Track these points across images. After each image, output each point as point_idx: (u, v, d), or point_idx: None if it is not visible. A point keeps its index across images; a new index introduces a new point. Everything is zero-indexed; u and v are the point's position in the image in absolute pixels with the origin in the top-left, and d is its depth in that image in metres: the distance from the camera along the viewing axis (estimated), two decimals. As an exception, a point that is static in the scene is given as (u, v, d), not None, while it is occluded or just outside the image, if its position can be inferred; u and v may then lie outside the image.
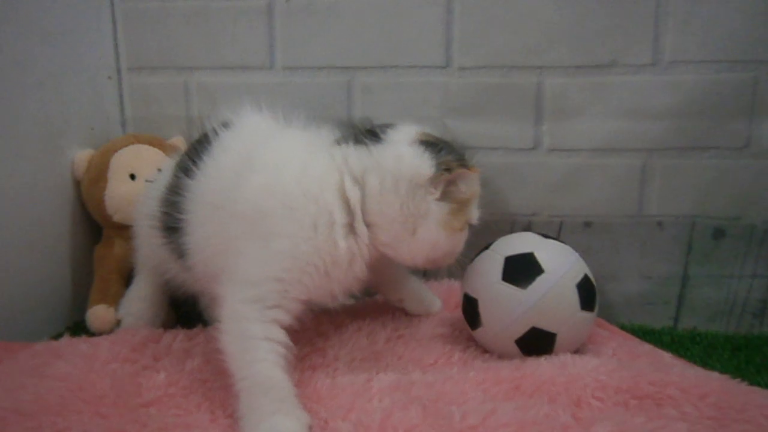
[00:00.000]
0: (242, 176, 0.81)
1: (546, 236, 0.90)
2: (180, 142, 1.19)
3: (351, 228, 0.80)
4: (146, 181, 1.08)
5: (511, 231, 1.11)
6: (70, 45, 1.11)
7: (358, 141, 0.82)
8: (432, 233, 0.80)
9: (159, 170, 1.10)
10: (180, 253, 0.90)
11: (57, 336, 1.04)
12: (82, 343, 0.87)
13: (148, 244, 0.98)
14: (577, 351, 0.86)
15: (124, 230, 1.09)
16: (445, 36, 1.07)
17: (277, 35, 1.14)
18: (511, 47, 1.05)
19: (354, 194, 0.80)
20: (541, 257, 0.85)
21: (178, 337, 0.92)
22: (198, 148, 0.90)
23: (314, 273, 0.78)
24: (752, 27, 0.99)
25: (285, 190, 0.79)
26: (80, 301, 1.11)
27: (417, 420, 0.68)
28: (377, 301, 1.05)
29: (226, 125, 0.91)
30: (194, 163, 0.88)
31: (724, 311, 1.07)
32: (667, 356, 0.87)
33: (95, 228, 1.14)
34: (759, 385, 0.85)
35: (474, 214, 0.84)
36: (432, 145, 0.81)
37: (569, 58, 1.04)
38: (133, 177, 1.08)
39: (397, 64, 1.10)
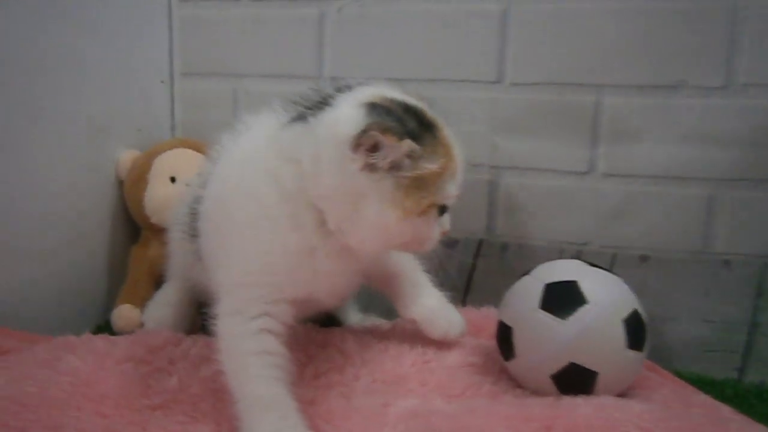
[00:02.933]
0: (227, 181, 0.79)
1: (594, 265, 0.82)
2: (224, 149, 1.19)
3: (297, 217, 0.71)
4: (186, 185, 1.08)
5: (560, 258, 1.04)
6: (125, 47, 1.13)
7: (300, 116, 0.73)
8: (376, 214, 0.67)
9: (198, 175, 1.09)
10: (200, 258, 0.88)
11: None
12: (99, 341, 0.86)
13: (179, 249, 0.97)
14: (620, 395, 0.77)
15: (160, 233, 1.08)
16: (498, 50, 1.02)
17: (326, 45, 1.13)
18: (569, 64, 1.00)
19: (287, 177, 0.70)
20: (586, 287, 0.77)
21: (198, 343, 0.89)
22: (214, 157, 0.88)
23: (276, 271, 0.72)
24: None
25: (227, 196, 0.76)
26: (114, 300, 1.11)
27: (430, 453, 0.62)
28: (408, 324, 0.99)
29: (235, 133, 0.89)
30: (207, 172, 0.86)
31: (801, 366, 0.95)
32: (726, 410, 0.77)
33: (135, 228, 1.14)
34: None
35: (443, 195, 0.69)
36: (380, 108, 0.67)
37: (631, 78, 0.97)
38: (173, 180, 1.08)
39: (446, 78, 1.06)
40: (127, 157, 1.11)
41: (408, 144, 0.65)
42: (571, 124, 1.00)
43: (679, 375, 0.93)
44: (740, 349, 0.98)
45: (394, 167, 0.66)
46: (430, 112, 0.71)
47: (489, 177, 1.06)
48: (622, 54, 0.97)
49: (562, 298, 0.77)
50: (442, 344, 0.91)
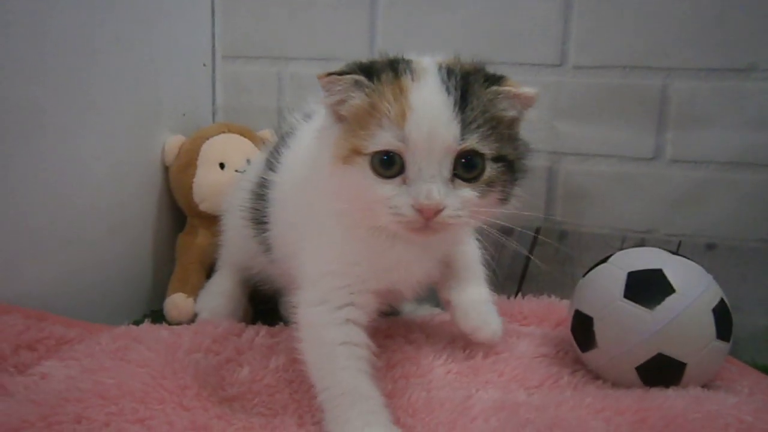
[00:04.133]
0: (298, 164, 0.77)
1: (673, 253, 0.80)
2: (269, 135, 1.15)
3: None
4: (235, 171, 1.05)
5: (621, 247, 1.02)
6: (168, 29, 1.09)
7: None
8: (324, 161, 0.66)
9: (249, 162, 1.07)
10: (266, 247, 0.86)
11: (136, 322, 1.02)
12: (162, 330, 0.84)
13: (237, 237, 0.94)
14: (705, 386, 0.75)
15: (209, 220, 1.06)
16: (561, 32, 1.00)
17: (378, 26, 1.10)
18: (635, 46, 0.97)
19: None
20: (671, 275, 0.75)
21: (261, 333, 0.86)
22: (282, 141, 0.87)
23: (360, 261, 0.70)
24: None
25: (307, 182, 0.73)
26: (160, 289, 1.09)
27: (534, 447, 0.59)
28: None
29: (307, 117, 0.87)
30: (277, 156, 0.84)
31: None
32: (816, 401, 0.75)
33: (179, 216, 1.11)
34: None
35: (374, 142, 0.61)
36: (358, 63, 0.66)
37: (701, 60, 0.94)
38: (222, 166, 1.05)
39: (506, 60, 1.02)
40: (173, 142, 1.07)
41: (350, 78, 0.63)
42: (636, 109, 0.98)
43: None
44: (809, 339, 0.96)
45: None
46: (419, 66, 0.64)
47: (548, 163, 1.03)
48: (692, 36, 0.94)
49: (648, 287, 0.74)
50: (510, 336, 0.89)
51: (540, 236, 1.04)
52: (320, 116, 0.84)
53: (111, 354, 0.74)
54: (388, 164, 0.61)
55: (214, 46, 1.19)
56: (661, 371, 0.73)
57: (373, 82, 0.63)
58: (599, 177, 1.01)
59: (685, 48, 0.95)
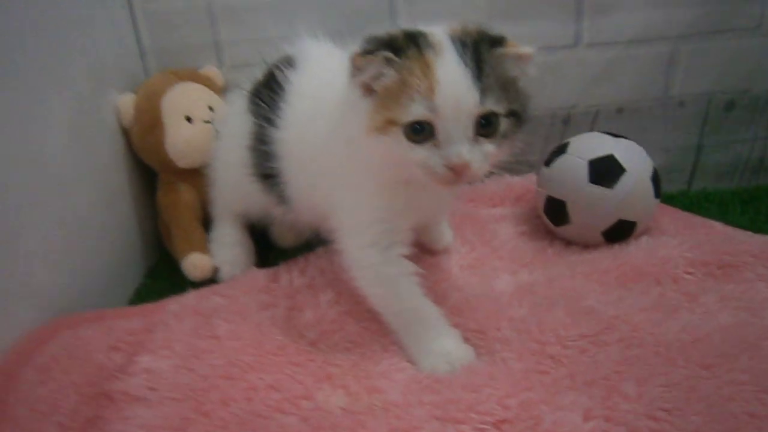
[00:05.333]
0: (318, 125, 0.82)
1: (614, 135, 1.00)
2: (214, 72, 1.14)
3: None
4: (204, 122, 1.06)
5: (551, 123, 1.21)
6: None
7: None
8: (357, 131, 0.73)
9: (211, 109, 1.07)
10: (281, 198, 0.92)
11: (142, 286, 1.06)
12: (213, 296, 0.91)
13: (238, 190, 0.98)
14: (647, 233, 1.01)
15: (188, 174, 1.07)
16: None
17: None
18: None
19: None
20: (621, 157, 0.96)
21: (293, 273, 0.97)
22: (270, 91, 0.89)
23: (396, 207, 0.80)
24: None
25: (328, 140, 0.80)
26: (148, 249, 1.12)
27: (567, 319, 0.80)
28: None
29: (290, 63, 0.90)
30: (271, 109, 0.88)
31: (729, 171, 1.25)
32: (717, 225, 1.04)
33: (147, 172, 1.11)
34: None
35: (406, 113, 0.68)
36: (375, 37, 0.72)
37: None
38: (189, 119, 1.05)
39: (441, -29, 1.08)
40: (126, 102, 1.04)
41: (381, 56, 0.69)
42: (558, 4, 1.11)
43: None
44: (689, 167, 1.25)
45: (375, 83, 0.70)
46: (437, 39, 0.70)
47: (487, 61, 1.15)
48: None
49: (606, 172, 0.95)
50: (490, 222, 1.08)
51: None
52: (311, 65, 0.89)
53: (193, 335, 0.81)
54: (420, 131, 0.69)
55: (126, -17, 1.10)
56: (620, 232, 0.97)
57: (401, 59, 0.70)
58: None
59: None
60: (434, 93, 0.68)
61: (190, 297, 0.92)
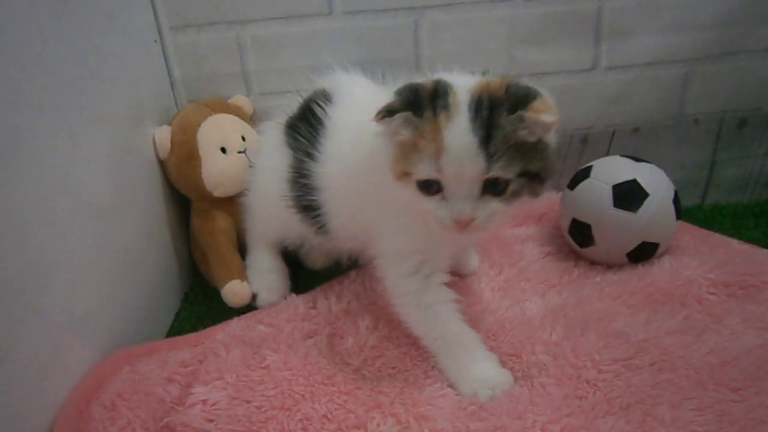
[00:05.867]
0: (358, 158, 0.85)
1: (636, 159, 1.04)
2: (243, 101, 1.18)
3: None
4: (238, 152, 1.09)
5: (570, 144, 1.25)
6: (109, 18, 1.00)
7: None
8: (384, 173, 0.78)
9: (244, 139, 1.11)
10: (321, 228, 0.96)
11: (181, 312, 1.10)
12: (257, 326, 0.95)
13: (276, 220, 1.01)
14: (669, 252, 1.05)
15: (222, 203, 1.11)
16: (510, -30, 1.10)
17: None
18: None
19: None
20: (644, 182, 1.00)
21: (331, 299, 1.01)
22: (307, 124, 0.93)
23: (434, 242, 0.84)
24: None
25: (370, 176, 0.82)
26: (184, 275, 1.16)
27: (600, 343, 0.85)
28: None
29: (326, 97, 0.93)
30: (311, 143, 0.91)
31: (742, 185, 1.29)
32: (735, 243, 1.08)
33: (181, 200, 1.15)
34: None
35: (418, 170, 0.73)
36: (405, 91, 0.76)
37: (625, -19, 1.11)
38: (224, 150, 1.08)
39: (463, 1, 1.12)
40: (163, 134, 1.07)
41: (402, 116, 0.73)
42: (577, 29, 1.14)
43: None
44: (703, 182, 1.30)
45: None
46: (455, 100, 0.72)
47: (508, 85, 1.19)
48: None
49: (630, 196, 0.99)
50: (516, 245, 1.12)
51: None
52: (347, 99, 0.92)
53: (243, 364, 0.85)
54: (429, 186, 0.74)
55: (157, 18, 1.13)
56: (643, 253, 1.01)
57: (420, 118, 0.73)
58: (552, 91, 1.18)
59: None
60: (441, 157, 0.72)
61: (235, 325, 0.96)
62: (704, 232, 1.13)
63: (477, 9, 1.12)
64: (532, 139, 0.72)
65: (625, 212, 0.99)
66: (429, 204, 0.75)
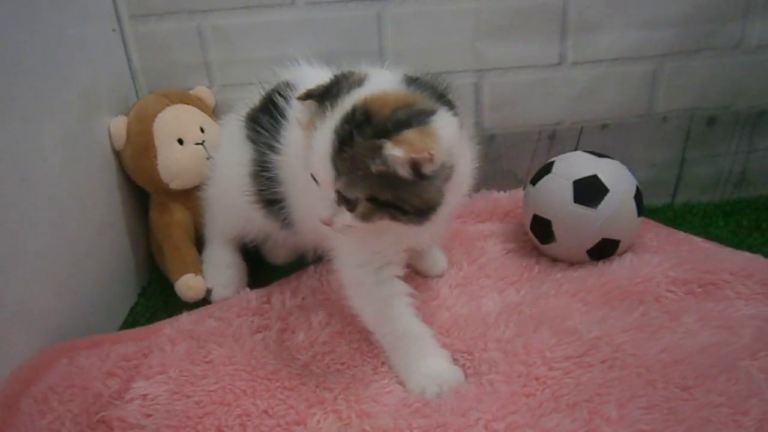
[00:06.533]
0: None
1: (598, 155, 1.03)
2: (204, 93, 1.16)
3: None
4: (196, 144, 1.07)
5: (538, 139, 1.23)
6: (69, 2, 0.99)
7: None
8: None
9: (202, 130, 1.09)
10: (285, 222, 0.94)
11: (136, 306, 1.08)
12: (207, 320, 0.93)
13: (237, 215, 1.00)
14: (631, 250, 1.03)
15: (179, 195, 1.09)
16: (475, -38, 1.08)
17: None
18: (537, -33, 1.09)
19: None
20: (604, 178, 0.98)
21: (286, 294, 0.99)
22: (269, 117, 0.91)
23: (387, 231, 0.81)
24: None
25: None
26: (141, 268, 1.14)
27: (552, 340, 0.83)
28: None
29: (289, 88, 0.91)
30: (273, 136, 0.89)
31: (712, 184, 1.28)
32: (698, 240, 1.06)
33: (140, 193, 1.12)
34: (754, 244, 1.09)
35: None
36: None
37: (591, -25, 1.10)
38: (181, 141, 1.06)
39: (428, -7, 1.10)
40: (119, 125, 1.05)
41: (308, 103, 0.76)
42: (544, 24, 1.13)
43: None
44: (673, 180, 1.28)
45: None
46: (346, 105, 0.72)
47: (474, 80, 1.17)
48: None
49: (590, 192, 0.97)
50: (478, 241, 1.10)
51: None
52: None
53: (187, 359, 0.83)
54: (315, 179, 0.76)
55: (116, 7, 1.11)
56: (604, 250, 1.00)
57: (319, 109, 0.73)
58: (518, 86, 1.18)
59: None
60: (312, 154, 0.73)
61: (185, 320, 0.94)
62: (668, 229, 1.11)
63: (441, 1, 1.11)
64: (383, 168, 0.69)
65: (585, 208, 0.97)
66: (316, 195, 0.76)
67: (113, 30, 1.11)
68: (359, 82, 0.74)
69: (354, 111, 0.71)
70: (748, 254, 0.99)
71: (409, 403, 0.77)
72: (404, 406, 0.77)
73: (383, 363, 0.86)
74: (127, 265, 1.10)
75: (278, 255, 1.13)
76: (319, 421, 0.74)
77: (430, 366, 0.82)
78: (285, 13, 1.13)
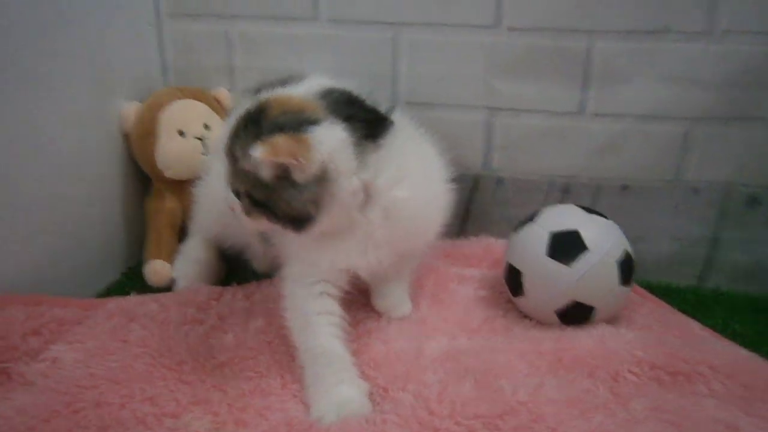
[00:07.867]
0: None
1: (590, 211, 0.94)
2: (223, 94, 1.20)
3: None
4: (196, 138, 1.11)
5: (548, 191, 1.15)
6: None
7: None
8: None
9: (207, 127, 1.12)
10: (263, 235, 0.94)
11: (114, 283, 1.11)
12: (151, 303, 0.94)
13: (220, 221, 1.01)
14: (610, 321, 0.92)
15: (175, 185, 1.12)
16: (496, -5, 1.05)
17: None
18: (563, 10, 1.03)
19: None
20: (586, 235, 0.89)
21: (237, 296, 0.98)
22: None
23: (316, 246, 0.80)
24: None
25: None
26: (133, 249, 1.17)
27: (472, 394, 0.75)
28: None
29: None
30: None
31: (749, 274, 1.12)
32: (696, 326, 0.93)
33: (145, 177, 1.17)
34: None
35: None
36: None
37: (621, 23, 1.02)
38: (182, 133, 1.10)
39: (445, 22, 1.08)
40: (129, 109, 1.11)
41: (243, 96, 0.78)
42: (564, 68, 1.06)
43: (650, 286, 1.09)
44: (701, 261, 1.14)
45: None
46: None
47: (485, 117, 1.12)
48: (613, 1, 1.02)
49: (567, 247, 0.89)
50: (451, 282, 1.04)
51: (480, 182, 1.17)
52: None
53: (110, 334, 0.85)
54: None
55: (157, 4, 1.18)
56: (576, 314, 0.90)
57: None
58: (531, 130, 1.11)
59: (607, 11, 1.02)
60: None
61: (132, 299, 0.96)
62: (667, 308, 0.99)
63: (456, 32, 1.08)
64: (249, 167, 0.71)
65: (558, 263, 0.88)
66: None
67: (149, 25, 1.18)
68: (285, 82, 0.74)
69: (254, 108, 0.72)
70: (743, 352, 0.85)
71: (292, 423, 0.73)
72: (284, 425, 0.72)
73: (296, 380, 0.82)
74: (118, 242, 1.15)
75: (261, 263, 1.13)
76: (192, 419, 0.71)
77: (341, 393, 0.77)
78: (308, 26, 1.15)
